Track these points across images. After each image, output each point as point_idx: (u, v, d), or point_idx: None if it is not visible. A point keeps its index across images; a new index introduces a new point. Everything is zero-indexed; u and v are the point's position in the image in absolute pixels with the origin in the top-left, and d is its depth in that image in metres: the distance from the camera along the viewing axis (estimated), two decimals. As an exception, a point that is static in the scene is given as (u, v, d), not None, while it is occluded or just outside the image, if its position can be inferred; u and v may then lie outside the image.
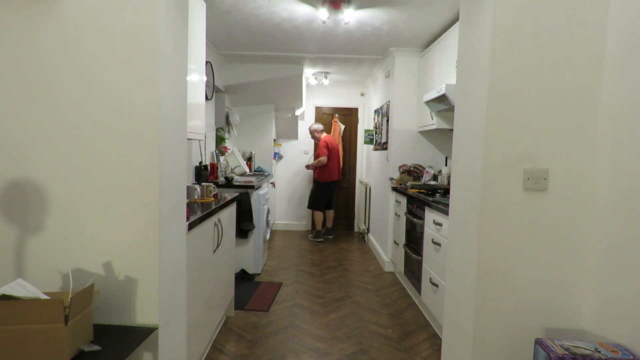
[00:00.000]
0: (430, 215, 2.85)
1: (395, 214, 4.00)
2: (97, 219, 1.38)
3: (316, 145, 5.73)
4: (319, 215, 5.52)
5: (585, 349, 1.33)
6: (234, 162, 4.44)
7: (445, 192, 3.16)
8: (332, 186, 5.49)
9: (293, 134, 6.11)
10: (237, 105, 5.39)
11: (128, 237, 1.38)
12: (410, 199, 3.41)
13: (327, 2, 2.90)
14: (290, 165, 6.27)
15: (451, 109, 3.20)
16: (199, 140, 3.74)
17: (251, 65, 4.80)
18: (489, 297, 1.56)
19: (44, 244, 1.38)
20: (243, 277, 3.82)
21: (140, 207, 1.37)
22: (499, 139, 1.52)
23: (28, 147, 1.37)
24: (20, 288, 1.12)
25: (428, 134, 4.15)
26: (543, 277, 1.55)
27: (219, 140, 4.62)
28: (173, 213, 1.51)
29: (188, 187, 2.48)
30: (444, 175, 3.64)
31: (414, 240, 3.33)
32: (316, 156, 5.49)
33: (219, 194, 2.91)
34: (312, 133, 5.54)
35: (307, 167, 5.61)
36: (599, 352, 1.31)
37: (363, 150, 6.23)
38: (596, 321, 1.51)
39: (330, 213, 5.68)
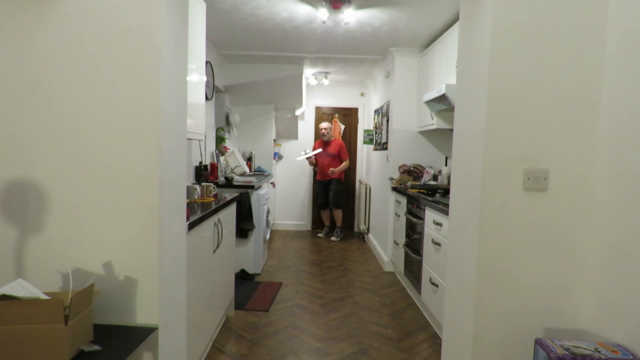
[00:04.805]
0: (430, 215, 2.85)
1: (395, 214, 4.00)
2: (97, 219, 1.38)
3: (316, 144, 5.69)
4: (341, 213, 5.65)
5: (585, 349, 1.33)
6: (234, 162, 4.44)
7: (445, 192, 3.16)
8: None
9: (293, 134, 6.11)
10: (237, 105, 5.39)
11: (128, 237, 1.38)
12: (410, 199, 3.41)
13: (327, 2, 2.90)
14: (291, 165, 6.27)
15: (451, 109, 3.21)
16: (199, 140, 3.74)
17: (251, 65, 4.80)
18: (489, 297, 1.57)
19: (44, 244, 1.38)
20: (243, 277, 3.82)
21: (140, 207, 1.37)
22: (499, 139, 1.52)
23: (28, 147, 1.37)
24: (20, 288, 1.12)
25: (428, 134, 4.15)
26: (543, 277, 1.55)
27: (219, 140, 4.62)
28: (173, 213, 1.51)
29: (188, 187, 2.48)
30: (444, 175, 3.64)
31: (414, 240, 3.33)
32: (338, 155, 5.49)
33: (219, 194, 2.91)
34: (324, 131, 5.50)
35: (333, 173, 5.54)
36: (599, 352, 1.31)
37: (363, 150, 6.23)
38: (596, 321, 1.51)
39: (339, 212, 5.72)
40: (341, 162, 5.53)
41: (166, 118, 1.41)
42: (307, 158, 5.63)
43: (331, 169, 5.43)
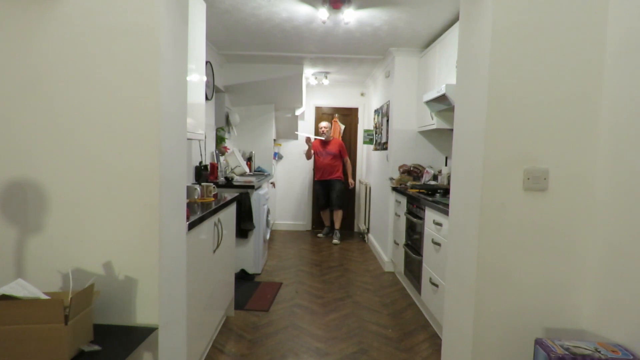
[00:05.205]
0: (430, 215, 2.85)
1: (395, 214, 4.00)
2: (97, 219, 1.38)
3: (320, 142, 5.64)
4: (341, 214, 5.63)
5: (585, 349, 1.33)
6: (234, 162, 4.44)
7: (445, 192, 3.16)
8: None
9: (293, 134, 6.11)
10: (237, 105, 5.39)
11: (128, 237, 1.38)
12: (410, 199, 3.41)
13: (327, 2, 2.90)
14: (290, 165, 6.27)
15: (451, 109, 3.21)
16: (199, 140, 3.74)
17: (251, 65, 4.80)
18: (489, 297, 1.57)
19: (44, 244, 1.38)
20: (243, 277, 3.82)
21: (140, 207, 1.37)
22: (499, 139, 1.52)
23: (28, 147, 1.37)
24: (20, 288, 1.12)
25: (428, 134, 4.15)
26: (543, 277, 1.55)
27: (219, 140, 4.62)
28: (173, 213, 1.51)
29: (188, 187, 2.48)
30: (444, 175, 3.64)
31: (414, 240, 3.33)
32: (339, 154, 5.51)
33: (219, 194, 2.91)
34: (324, 129, 5.50)
35: (351, 184, 5.63)
36: (599, 352, 1.31)
37: (363, 150, 6.23)
38: (596, 321, 1.51)
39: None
40: (342, 160, 5.54)
41: (166, 118, 1.41)
42: (307, 142, 5.55)
43: (350, 180, 5.60)
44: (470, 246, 1.62)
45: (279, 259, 4.59)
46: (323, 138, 5.50)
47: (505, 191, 1.54)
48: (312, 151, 5.61)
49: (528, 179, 1.53)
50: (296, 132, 5.95)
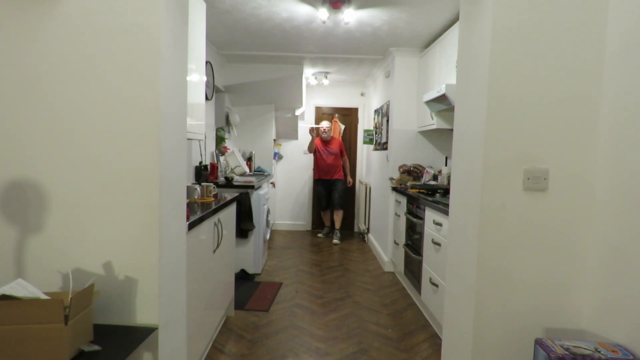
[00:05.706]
0: (430, 215, 2.85)
1: (395, 214, 4.00)
2: (97, 219, 1.38)
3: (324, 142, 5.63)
4: (342, 214, 5.64)
5: (585, 349, 1.33)
6: (234, 162, 4.44)
7: (445, 192, 3.16)
8: None
9: (293, 134, 6.11)
10: (237, 105, 5.39)
11: (128, 237, 1.38)
12: (410, 199, 3.41)
13: (327, 2, 2.90)
14: (290, 165, 6.27)
15: (451, 109, 3.21)
16: (199, 140, 3.74)
17: (251, 65, 4.80)
18: (489, 297, 1.57)
19: (44, 244, 1.38)
20: (243, 277, 3.82)
21: (140, 207, 1.37)
22: (499, 139, 1.52)
23: (28, 147, 1.37)
24: (20, 288, 1.12)
25: (428, 134, 4.15)
26: (543, 277, 1.55)
27: (219, 140, 4.62)
28: (173, 213, 1.51)
29: (188, 187, 2.48)
30: (444, 175, 3.64)
31: (414, 240, 3.33)
32: (340, 153, 5.55)
33: (219, 194, 2.91)
34: (324, 129, 5.52)
35: (349, 182, 5.70)
36: (599, 352, 1.31)
37: (363, 150, 6.23)
38: (596, 321, 1.51)
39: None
40: (342, 159, 5.56)
41: (166, 118, 1.41)
42: (310, 132, 5.56)
43: (349, 178, 5.66)
44: (470, 246, 1.62)
45: (279, 259, 4.59)
46: (325, 128, 5.50)
47: (505, 191, 1.54)
48: (315, 146, 5.61)
49: (528, 179, 1.53)
50: (303, 126, 5.98)
